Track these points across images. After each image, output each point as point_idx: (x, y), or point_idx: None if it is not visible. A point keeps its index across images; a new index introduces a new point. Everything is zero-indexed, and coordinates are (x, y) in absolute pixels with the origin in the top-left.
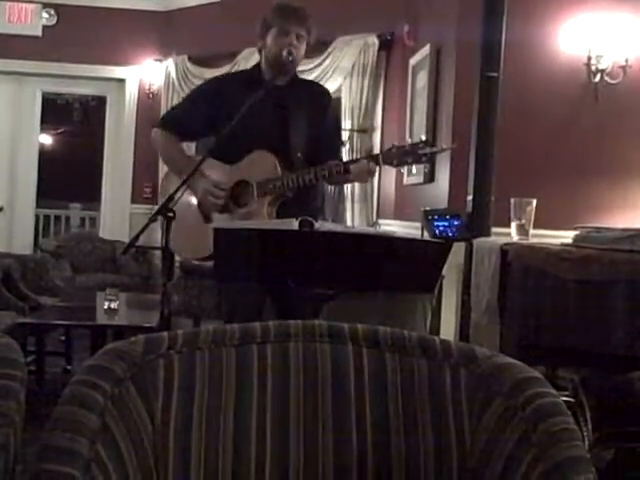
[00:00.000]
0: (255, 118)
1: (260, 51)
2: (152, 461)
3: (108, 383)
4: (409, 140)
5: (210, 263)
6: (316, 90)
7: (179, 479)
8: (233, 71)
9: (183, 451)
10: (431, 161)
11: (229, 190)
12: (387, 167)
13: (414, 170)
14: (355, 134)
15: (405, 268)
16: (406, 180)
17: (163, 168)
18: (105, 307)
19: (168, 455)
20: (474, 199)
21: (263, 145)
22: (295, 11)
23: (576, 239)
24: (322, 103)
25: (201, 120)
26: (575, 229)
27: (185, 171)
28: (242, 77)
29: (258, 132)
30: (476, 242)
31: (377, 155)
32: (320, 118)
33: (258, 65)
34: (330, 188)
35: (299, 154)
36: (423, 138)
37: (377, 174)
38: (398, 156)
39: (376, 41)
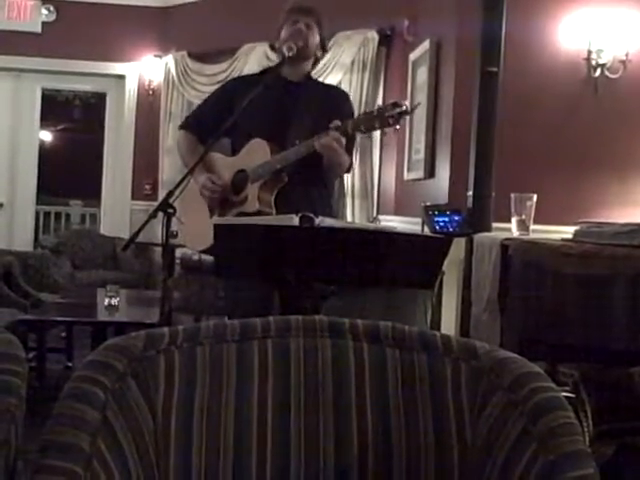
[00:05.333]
0: (260, 111)
1: (274, 49)
2: (153, 456)
3: (109, 378)
4: (407, 136)
5: (210, 259)
6: (332, 91)
7: (180, 474)
8: (250, 73)
9: (184, 446)
10: (399, 123)
11: (230, 180)
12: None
13: (404, 162)
14: None
15: (405, 263)
16: (406, 175)
17: (163, 165)
18: (106, 303)
19: (169, 450)
20: (474, 194)
21: (263, 135)
22: (303, 7)
23: (576, 234)
24: (336, 103)
25: (215, 121)
26: (575, 224)
27: (195, 170)
28: (256, 77)
29: (260, 123)
30: (476, 237)
31: (345, 123)
32: (331, 116)
33: (274, 66)
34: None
35: (297, 142)
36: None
37: (377, 169)
38: (366, 122)
39: (376, 36)
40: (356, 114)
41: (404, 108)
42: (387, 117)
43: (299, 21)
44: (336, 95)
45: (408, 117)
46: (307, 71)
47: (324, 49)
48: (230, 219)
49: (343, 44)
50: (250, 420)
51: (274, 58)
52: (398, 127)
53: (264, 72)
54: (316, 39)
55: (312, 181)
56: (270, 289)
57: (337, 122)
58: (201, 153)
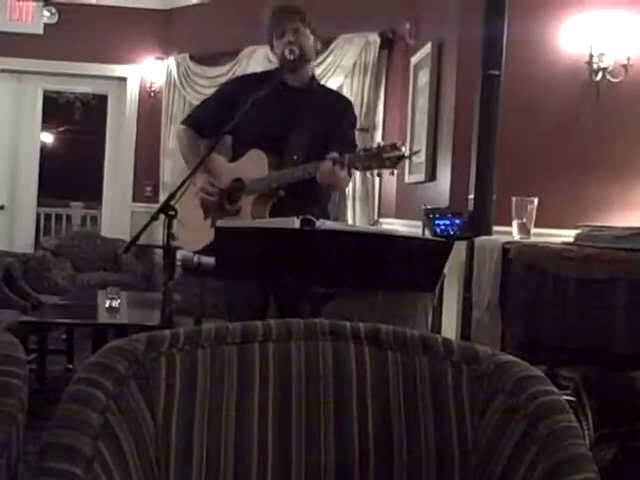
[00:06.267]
0: (262, 117)
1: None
2: (154, 459)
3: (110, 381)
4: (408, 139)
5: (212, 261)
6: (335, 99)
7: (181, 477)
8: (255, 71)
9: (185, 449)
10: (396, 167)
11: (227, 187)
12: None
13: (403, 165)
14: (356, 133)
15: (406, 266)
16: (407, 178)
17: (165, 167)
18: (106, 306)
19: (170, 453)
20: (475, 198)
21: (261, 144)
22: (285, 8)
23: (577, 238)
24: (338, 112)
25: (216, 119)
26: (576, 228)
27: (193, 174)
28: (261, 77)
29: (261, 131)
30: (477, 241)
31: (342, 158)
32: (333, 125)
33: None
34: None
35: (295, 157)
36: (394, 142)
37: (376, 172)
38: (363, 160)
39: (377, 39)
40: (357, 117)
41: (403, 152)
42: (385, 159)
43: (287, 31)
44: (339, 104)
45: (409, 120)
46: (309, 75)
47: (318, 39)
48: (232, 222)
49: (344, 47)
50: (251, 423)
51: (275, 61)
52: (396, 171)
53: (267, 72)
54: (310, 39)
55: (308, 196)
56: (267, 291)
57: (335, 154)
58: (201, 149)
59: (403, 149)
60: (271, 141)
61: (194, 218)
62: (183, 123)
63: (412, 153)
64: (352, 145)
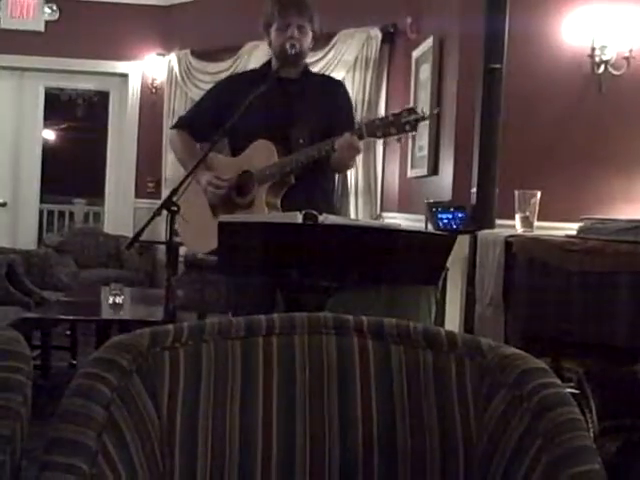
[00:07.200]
0: (260, 111)
1: (270, 46)
2: (158, 453)
3: (114, 375)
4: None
5: (214, 257)
6: (328, 82)
7: (185, 471)
8: (245, 70)
9: (189, 443)
10: (416, 129)
11: (234, 181)
12: (377, 142)
13: (409, 156)
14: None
15: (409, 261)
16: (410, 172)
17: (167, 163)
18: (110, 302)
19: (174, 447)
20: (478, 191)
21: (265, 135)
22: (293, 2)
23: (580, 231)
24: (333, 94)
25: (212, 120)
26: (579, 221)
27: (195, 170)
28: (252, 75)
29: (261, 123)
30: (480, 234)
31: (360, 128)
32: (331, 108)
33: (269, 61)
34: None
35: (301, 140)
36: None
37: (381, 166)
38: (382, 127)
39: (379, 34)
40: (358, 111)
41: (420, 114)
42: (404, 123)
43: (291, 24)
44: (331, 86)
45: None
46: (303, 66)
47: (316, 39)
48: (234, 217)
49: (346, 42)
50: (255, 417)
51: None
52: (415, 133)
53: (256, 69)
54: (309, 38)
55: (314, 180)
56: (273, 286)
57: (359, 126)
58: (197, 151)
59: (421, 111)
60: (274, 130)
61: (200, 220)
62: (174, 127)
63: (431, 112)
64: (352, 125)
